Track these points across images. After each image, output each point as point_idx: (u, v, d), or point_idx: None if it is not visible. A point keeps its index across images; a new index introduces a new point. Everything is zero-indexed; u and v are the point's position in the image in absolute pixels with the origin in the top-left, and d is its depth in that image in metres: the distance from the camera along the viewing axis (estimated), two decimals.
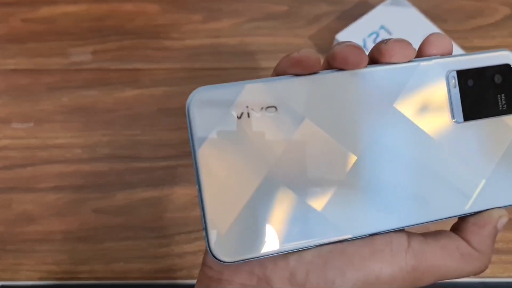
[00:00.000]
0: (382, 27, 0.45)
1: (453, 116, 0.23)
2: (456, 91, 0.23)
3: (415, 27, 0.44)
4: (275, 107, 0.21)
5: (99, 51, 0.48)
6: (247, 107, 0.21)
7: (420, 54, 0.23)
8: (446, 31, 0.45)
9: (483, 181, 0.23)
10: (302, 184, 0.21)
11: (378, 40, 0.44)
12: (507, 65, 0.23)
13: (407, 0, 0.46)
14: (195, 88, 0.21)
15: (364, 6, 0.48)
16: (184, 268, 0.41)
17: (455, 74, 0.23)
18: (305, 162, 0.21)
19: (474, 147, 0.23)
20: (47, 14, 0.49)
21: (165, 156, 0.44)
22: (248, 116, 0.21)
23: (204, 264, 0.23)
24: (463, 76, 0.23)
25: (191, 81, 0.47)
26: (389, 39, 0.22)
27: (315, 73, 0.22)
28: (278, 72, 0.22)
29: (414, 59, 0.23)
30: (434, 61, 0.23)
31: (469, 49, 0.47)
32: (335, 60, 0.22)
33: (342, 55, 0.21)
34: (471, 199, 0.22)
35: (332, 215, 0.21)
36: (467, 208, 0.22)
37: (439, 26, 0.45)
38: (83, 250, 0.42)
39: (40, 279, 0.41)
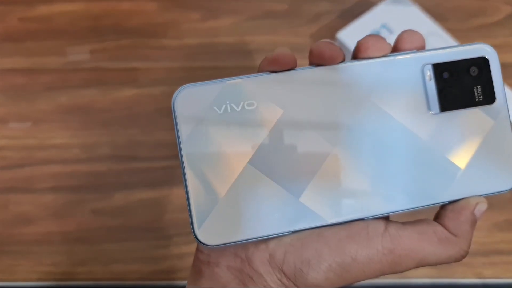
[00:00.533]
0: (383, 26, 0.44)
1: (429, 108, 0.23)
2: (431, 84, 0.23)
3: (417, 25, 0.44)
4: (254, 102, 0.23)
5: (96, 50, 0.47)
6: (228, 102, 0.23)
7: (395, 50, 0.24)
8: (448, 29, 0.45)
9: (461, 171, 0.23)
10: (282, 174, 0.23)
11: None
12: (483, 58, 0.24)
13: None
14: None
15: (365, 5, 0.48)
16: (183, 269, 0.41)
17: (430, 67, 0.23)
18: (284, 153, 0.23)
19: (452, 137, 0.23)
20: (44, 13, 0.49)
21: (164, 156, 0.44)
22: (229, 111, 0.23)
23: (197, 249, 0.25)
24: (439, 69, 0.23)
25: (189, 80, 0.45)
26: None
27: (291, 69, 0.23)
28: None
29: (390, 54, 0.23)
30: (410, 55, 0.24)
31: None
32: (312, 56, 0.23)
33: (318, 50, 0.23)
34: (449, 189, 0.23)
35: (310, 203, 0.23)
36: (444, 197, 0.23)
37: (441, 25, 0.45)
38: (81, 251, 0.42)
39: (38, 280, 0.41)
